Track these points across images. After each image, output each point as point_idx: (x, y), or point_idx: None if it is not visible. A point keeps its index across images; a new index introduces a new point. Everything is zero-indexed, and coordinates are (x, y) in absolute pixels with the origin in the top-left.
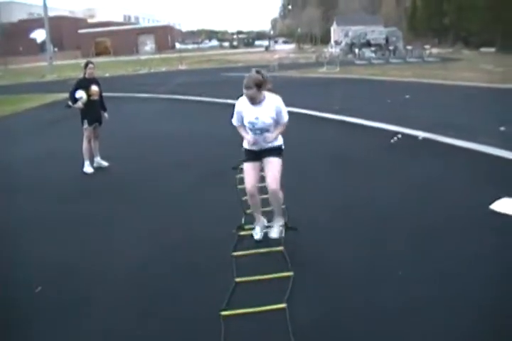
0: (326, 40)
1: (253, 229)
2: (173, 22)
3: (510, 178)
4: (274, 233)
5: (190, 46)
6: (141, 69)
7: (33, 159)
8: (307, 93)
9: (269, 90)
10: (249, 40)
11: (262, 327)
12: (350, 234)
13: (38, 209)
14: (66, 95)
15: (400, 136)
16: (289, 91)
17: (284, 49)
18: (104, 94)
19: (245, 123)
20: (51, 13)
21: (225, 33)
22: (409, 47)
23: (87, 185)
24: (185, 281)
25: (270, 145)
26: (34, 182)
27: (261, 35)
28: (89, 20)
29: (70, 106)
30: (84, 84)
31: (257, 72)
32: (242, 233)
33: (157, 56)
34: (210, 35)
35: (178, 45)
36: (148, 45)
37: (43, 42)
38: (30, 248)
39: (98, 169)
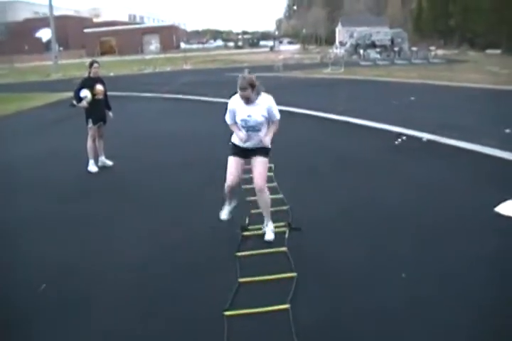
0: (330, 40)
1: (221, 209)
2: (178, 22)
3: None
4: (269, 235)
5: (195, 46)
6: (145, 69)
7: (37, 158)
8: (312, 94)
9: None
10: (254, 40)
11: (265, 327)
12: (353, 234)
13: (39, 209)
14: (71, 94)
15: (404, 137)
16: (293, 91)
17: (288, 49)
18: (108, 93)
19: (238, 121)
20: (56, 13)
21: (230, 33)
22: (414, 49)
23: (90, 184)
24: (185, 281)
25: (259, 145)
26: (37, 181)
27: (266, 36)
28: (95, 20)
29: (74, 105)
30: (89, 83)
31: (249, 72)
32: (246, 233)
33: (162, 56)
34: (215, 35)
35: (183, 45)
36: (153, 44)
37: (49, 41)
38: (29, 247)
39: (102, 168)
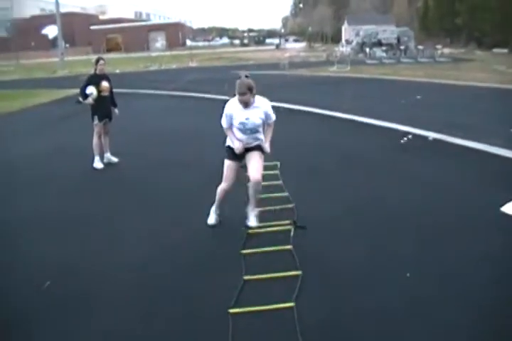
0: (336, 39)
1: (208, 213)
2: (184, 19)
3: None
4: (253, 222)
5: (200, 43)
6: (151, 66)
7: (43, 154)
8: (317, 92)
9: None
10: (260, 38)
11: (269, 325)
12: (357, 234)
13: (41, 207)
14: (77, 91)
15: (410, 136)
16: (299, 89)
17: (294, 47)
18: (114, 90)
19: (236, 124)
20: (63, 10)
21: (235, 30)
22: (420, 47)
23: (94, 182)
24: (190, 279)
25: (255, 144)
26: (42, 177)
27: (272, 34)
28: (101, 17)
29: (80, 102)
30: (94, 80)
31: (246, 76)
32: (251, 231)
33: (168, 53)
34: (221, 32)
35: (188, 42)
36: (159, 41)
37: (55, 38)
38: (29, 246)
39: (108, 165)
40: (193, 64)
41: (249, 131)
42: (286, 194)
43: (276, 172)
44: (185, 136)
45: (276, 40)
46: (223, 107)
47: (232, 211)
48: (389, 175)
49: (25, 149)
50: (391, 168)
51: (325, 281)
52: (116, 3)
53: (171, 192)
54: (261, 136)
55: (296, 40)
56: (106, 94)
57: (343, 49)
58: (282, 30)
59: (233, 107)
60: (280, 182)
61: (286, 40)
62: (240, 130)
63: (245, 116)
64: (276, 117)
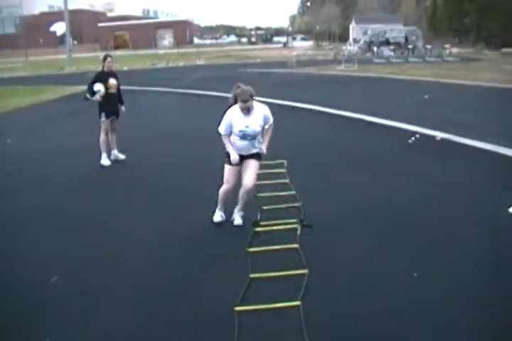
0: (344, 37)
1: (214, 212)
2: (192, 17)
3: None
4: (238, 220)
5: (208, 41)
6: (159, 64)
7: (50, 151)
8: (325, 90)
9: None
10: (267, 36)
11: (275, 323)
12: (366, 233)
13: (47, 202)
14: (84, 88)
15: (417, 136)
16: (306, 88)
17: (302, 46)
18: (122, 87)
19: (236, 131)
20: (71, 7)
21: (243, 28)
22: (428, 47)
23: (101, 178)
24: (194, 278)
25: (254, 151)
26: (48, 173)
27: (279, 32)
28: (109, 14)
29: (88, 99)
30: (102, 77)
31: (238, 86)
32: (258, 229)
33: (175, 50)
34: (229, 30)
35: (196, 40)
36: (167, 39)
37: (63, 35)
38: (31, 243)
39: (115, 161)
40: (200, 62)
41: (249, 137)
42: (293, 192)
43: (283, 170)
44: (193, 133)
45: (283, 39)
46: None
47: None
48: (396, 175)
49: (32, 145)
50: (398, 168)
51: (332, 281)
52: (124, 0)
53: (178, 190)
54: (259, 143)
55: (303, 39)
56: (113, 91)
57: (351, 48)
58: (290, 29)
59: (233, 115)
60: (287, 180)
61: (294, 39)
62: (240, 137)
63: (245, 124)
64: (284, 115)
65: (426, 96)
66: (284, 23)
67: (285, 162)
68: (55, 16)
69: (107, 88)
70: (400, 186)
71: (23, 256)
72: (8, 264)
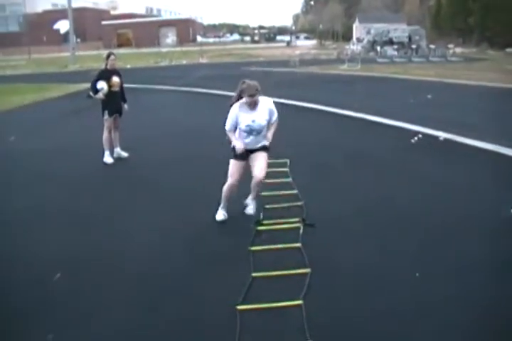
0: (347, 37)
1: (217, 210)
2: (195, 15)
3: None
4: (251, 209)
5: (211, 40)
6: (162, 62)
7: (53, 148)
8: (328, 90)
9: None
10: (270, 35)
11: (277, 322)
12: (368, 233)
13: (49, 201)
14: (88, 85)
15: (420, 136)
16: (309, 87)
17: (305, 45)
18: (125, 85)
19: (242, 127)
20: (75, 5)
21: (246, 27)
22: (432, 46)
23: (104, 176)
24: (196, 277)
25: (260, 145)
26: (52, 171)
27: (282, 31)
28: (112, 12)
29: (91, 97)
30: (105, 75)
31: (243, 81)
32: (260, 228)
33: (178, 49)
34: (232, 29)
35: (199, 39)
36: (170, 37)
37: (66, 33)
38: (33, 242)
39: (117, 160)
40: (203, 60)
41: (255, 132)
42: (295, 191)
43: (286, 169)
44: (196, 131)
45: (286, 38)
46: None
47: (240, 208)
48: (399, 175)
49: (35, 143)
50: (401, 168)
51: (334, 280)
52: None
53: (181, 189)
54: (265, 138)
55: (306, 38)
56: (116, 89)
57: (354, 47)
58: (293, 28)
59: (239, 111)
60: (289, 179)
61: (297, 38)
62: (246, 132)
63: (251, 118)
64: (287, 115)
65: (429, 96)
66: (288, 21)
67: (288, 161)
68: (59, 14)
69: (110, 86)
70: (402, 186)
71: (24, 254)
72: (9, 262)
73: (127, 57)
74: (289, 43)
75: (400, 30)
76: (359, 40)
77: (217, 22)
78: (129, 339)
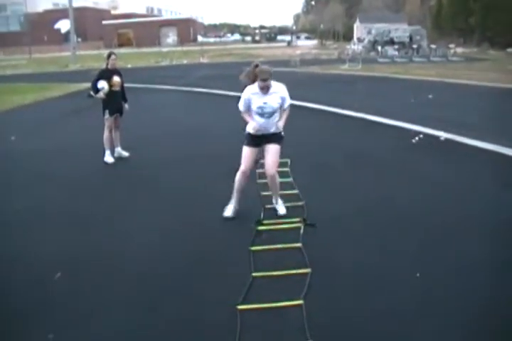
0: (348, 36)
1: (226, 206)
2: (196, 15)
3: None
4: (282, 210)
5: (212, 39)
6: (162, 61)
7: (54, 148)
8: (329, 89)
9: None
10: (271, 34)
11: (278, 322)
12: (368, 233)
13: (49, 201)
14: (88, 85)
15: (421, 136)
16: (310, 87)
17: (306, 45)
18: (125, 85)
19: (254, 108)
20: (76, 4)
21: (247, 27)
22: (433, 46)
23: (104, 175)
24: (196, 276)
25: (273, 130)
26: (52, 171)
27: (283, 31)
28: (113, 12)
29: (91, 96)
30: (106, 74)
31: (256, 65)
32: (261, 228)
33: (179, 48)
34: (233, 29)
35: (200, 38)
36: (171, 37)
37: (67, 33)
38: (33, 243)
39: (118, 159)
40: (204, 60)
41: (268, 114)
42: (296, 191)
43: (287, 169)
44: (197, 131)
45: (287, 37)
46: (235, 101)
47: (241, 208)
48: (399, 175)
49: (35, 143)
50: (401, 168)
51: (334, 280)
52: None
53: (181, 188)
54: (277, 120)
55: (307, 38)
56: (117, 88)
57: (355, 47)
58: (294, 28)
59: (252, 93)
60: (290, 179)
61: (298, 38)
62: (258, 114)
63: (264, 100)
64: (289, 114)
65: (430, 96)
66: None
67: (288, 161)
68: (60, 14)
69: (110, 85)
70: (403, 186)
71: (24, 254)
72: (9, 263)
73: (128, 57)
74: (289, 43)
75: (400, 30)
76: (360, 40)
77: (218, 22)
78: (129, 340)
